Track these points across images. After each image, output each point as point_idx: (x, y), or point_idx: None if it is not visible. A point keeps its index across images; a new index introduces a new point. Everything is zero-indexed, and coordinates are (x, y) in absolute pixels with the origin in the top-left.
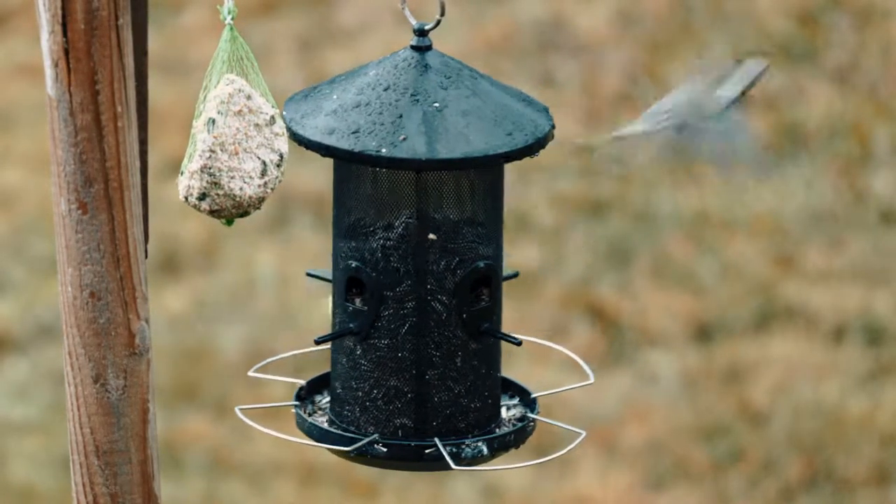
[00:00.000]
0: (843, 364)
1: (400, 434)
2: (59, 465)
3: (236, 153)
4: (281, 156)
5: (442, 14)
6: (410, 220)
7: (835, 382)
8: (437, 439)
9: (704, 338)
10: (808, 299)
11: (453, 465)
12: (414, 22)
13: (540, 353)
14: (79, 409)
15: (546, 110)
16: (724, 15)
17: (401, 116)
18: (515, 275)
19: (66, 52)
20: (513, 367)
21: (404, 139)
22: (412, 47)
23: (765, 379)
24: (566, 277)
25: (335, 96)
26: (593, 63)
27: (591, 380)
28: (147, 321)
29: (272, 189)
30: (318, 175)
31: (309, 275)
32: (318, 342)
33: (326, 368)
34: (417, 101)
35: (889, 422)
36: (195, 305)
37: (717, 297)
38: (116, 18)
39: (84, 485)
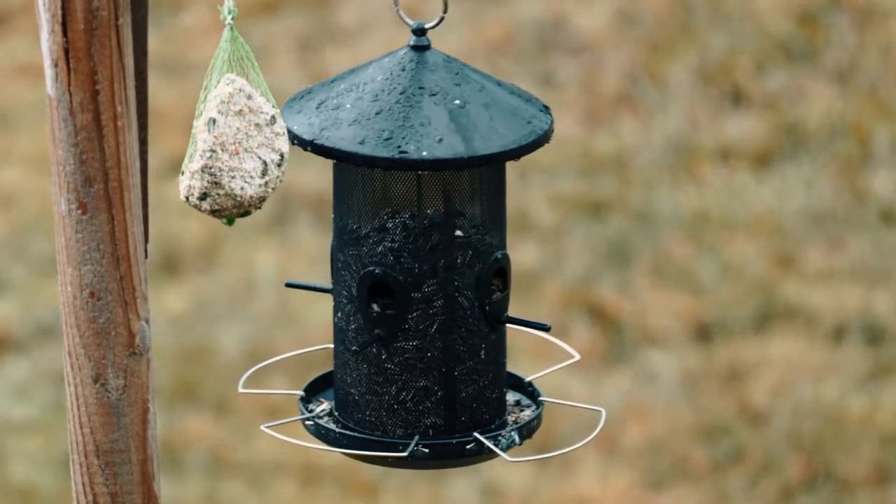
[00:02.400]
0: (843, 364)
1: (431, 433)
2: (59, 465)
3: (237, 153)
4: (282, 155)
5: (445, 10)
6: (436, 219)
7: (835, 382)
8: (476, 433)
9: (704, 338)
10: (808, 299)
11: (506, 457)
12: (411, 22)
13: (541, 350)
14: (79, 409)
15: (535, 101)
16: (724, 15)
17: (428, 118)
18: None
19: (66, 51)
20: (515, 364)
21: (440, 140)
22: (412, 47)
23: (765, 379)
24: (566, 277)
25: (348, 105)
26: (593, 63)
27: (577, 357)
28: (147, 321)
29: (273, 189)
30: (318, 175)
31: (288, 285)
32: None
33: (318, 372)
34: (438, 100)
35: (889, 422)
36: (195, 305)
37: (717, 297)
38: (116, 18)
39: (84, 484)
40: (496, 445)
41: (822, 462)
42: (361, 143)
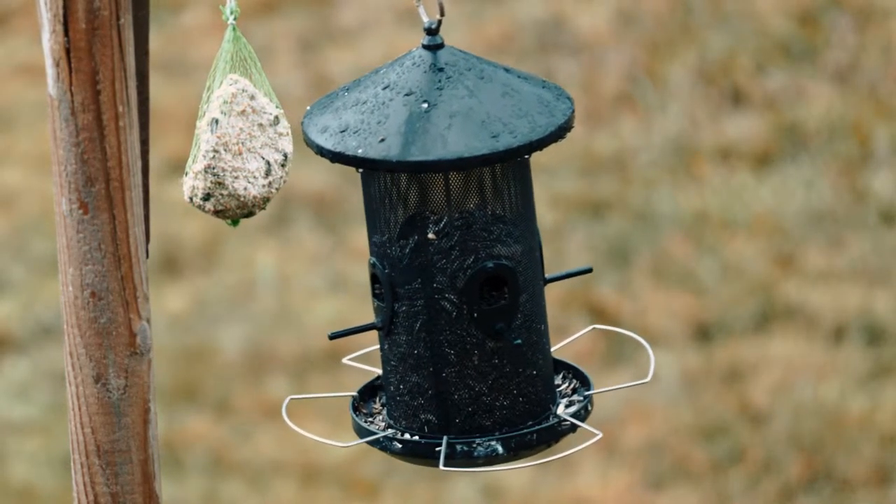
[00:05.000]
0: (843, 364)
1: (426, 429)
2: (59, 465)
3: (240, 153)
4: (285, 155)
5: (441, 14)
6: (413, 221)
7: (835, 382)
8: (445, 437)
9: (704, 338)
10: (808, 299)
11: (441, 465)
12: (425, 20)
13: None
14: (80, 409)
15: (568, 100)
16: (724, 15)
17: (387, 116)
18: (589, 270)
19: (68, 51)
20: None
21: (382, 140)
22: (423, 46)
23: (765, 379)
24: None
25: (346, 93)
26: (593, 63)
27: (648, 379)
28: (148, 321)
29: (277, 189)
30: (319, 175)
31: (332, 337)
32: (331, 337)
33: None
34: (409, 101)
35: (889, 422)
36: (195, 305)
37: (717, 297)
38: (118, 18)
39: (85, 484)
40: (472, 452)
41: (822, 462)
42: (323, 131)
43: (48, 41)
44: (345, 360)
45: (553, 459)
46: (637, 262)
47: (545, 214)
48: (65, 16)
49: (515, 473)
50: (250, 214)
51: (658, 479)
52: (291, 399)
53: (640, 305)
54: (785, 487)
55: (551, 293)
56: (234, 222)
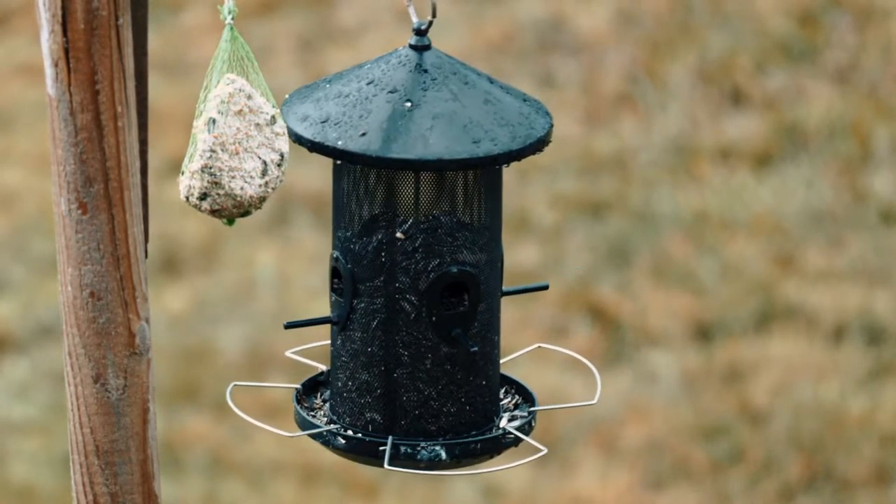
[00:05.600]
0: (843, 364)
1: (370, 428)
2: (59, 465)
3: (237, 153)
4: (282, 155)
5: (433, 15)
6: (382, 218)
7: (835, 382)
8: (391, 437)
9: (704, 338)
10: (808, 299)
11: (386, 465)
12: (415, 20)
13: (541, 353)
14: (79, 409)
15: (547, 115)
16: (724, 15)
17: (370, 111)
18: (545, 286)
19: (67, 51)
20: (514, 367)
21: (363, 134)
22: (410, 46)
23: (765, 379)
24: (566, 277)
25: (328, 85)
26: (593, 63)
27: (595, 401)
28: (147, 321)
29: (273, 189)
30: (318, 174)
31: (287, 326)
32: (287, 327)
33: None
34: (392, 98)
35: (889, 422)
36: (195, 305)
37: (717, 297)
38: (116, 18)
39: (84, 484)
40: (415, 455)
41: (822, 462)
42: (303, 120)
43: (47, 41)
44: (288, 353)
45: (494, 471)
46: (637, 262)
47: (545, 214)
48: (63, 16)
49: (515, 473)
50: (246, 214)
51: (658, 479)
52: (235, 385)
53: (640, 305)
54: (785, 487)
55: (551, 293)
56: (230, 222)
